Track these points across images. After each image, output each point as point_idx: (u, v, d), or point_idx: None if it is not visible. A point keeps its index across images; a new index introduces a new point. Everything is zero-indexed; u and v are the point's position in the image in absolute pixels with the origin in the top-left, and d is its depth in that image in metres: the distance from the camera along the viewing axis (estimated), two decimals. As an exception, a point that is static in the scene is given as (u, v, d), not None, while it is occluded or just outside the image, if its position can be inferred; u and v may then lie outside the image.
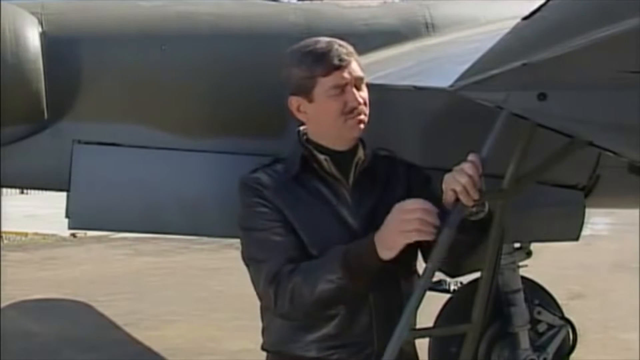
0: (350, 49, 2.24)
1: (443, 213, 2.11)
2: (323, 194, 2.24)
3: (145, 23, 3.23)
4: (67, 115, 3.13)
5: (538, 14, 1.67)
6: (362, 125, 2.24)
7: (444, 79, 2.25)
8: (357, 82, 2.23)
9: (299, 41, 3.28)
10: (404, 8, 3.47)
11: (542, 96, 2.09)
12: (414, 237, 2.05)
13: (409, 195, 2.26)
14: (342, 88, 2.19)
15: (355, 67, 2.23)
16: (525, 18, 1.74)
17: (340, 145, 2.27)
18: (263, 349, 2.36)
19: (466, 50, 2.37)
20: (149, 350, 6.19)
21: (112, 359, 6.05)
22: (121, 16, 3.25)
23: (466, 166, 2.07)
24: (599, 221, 12.10)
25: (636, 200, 3.79)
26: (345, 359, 2.22)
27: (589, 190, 3.47)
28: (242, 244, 2.27)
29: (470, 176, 2.06)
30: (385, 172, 2.34)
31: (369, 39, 3.29)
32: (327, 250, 2.14)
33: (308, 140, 2.29)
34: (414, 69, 2.73)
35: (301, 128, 2.34)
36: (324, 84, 2.19)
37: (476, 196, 2.07)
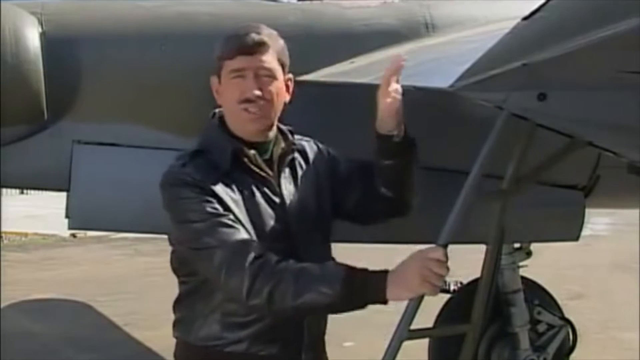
0: (269, 39, 2.15)
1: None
2: (254, 189, 2.16)
3: (145, 23, 3.23)
4: (67, 116, 3.13)
5: (538, 15, 1.67)
6: (260, 121, 2.16)
7: (444, 79, 2.25)
8: (260, 72, 2.14)
9: (299, 42, 3.29)
10: (403, 8, 3.46)
11: (542, 96, 2.09)
12: (433, 293, 1.98)
13: (332, 184, 2.29)
14: (241, 74, 2.13)
15: (268, 58, 2.14)
16: (525, 18, 1.74)
17: (249, 137, 2.18)
18: (178, 338, 2.27)
19: (466, 50, 2.38)
20: (148, 350, 6.18)
21: (112, 359, 6.05)
22: (121, 16, 3.25)
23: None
24: (598, 221, 12.09)
25: (636, 200, 3.79)
26: (274, 353, 2.18)
27: (589, 191, 3.47)
28: (184, 238, 2.14)
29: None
30: (309, 160, 2.30)
31: (369, 39, 3.29)
32: (265, 245, 2.07)
33: (225, 129, 2.22)
34: (414, 69, 2.73)
35: (217, 111, 2.29)
36: (227, 66, 2.14)
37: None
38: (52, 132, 3.12)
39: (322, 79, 3.03)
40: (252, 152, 2.17)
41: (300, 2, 3.47)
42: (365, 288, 1.97)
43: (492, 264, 2.32)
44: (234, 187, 2.13)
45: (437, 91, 2.32)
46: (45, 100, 3.03)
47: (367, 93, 2.68)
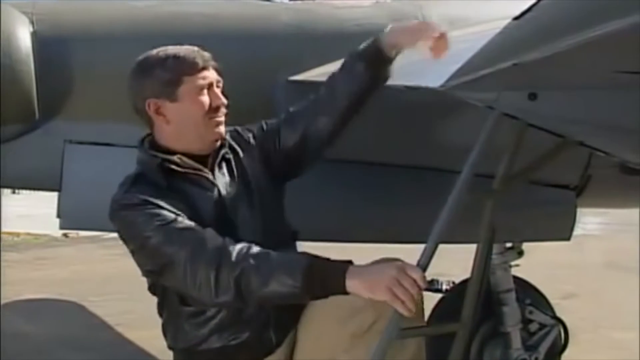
0: (209, 54, 2.32)
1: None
2: (192, 190, 2.27)
3: (138, 23, 3.22)
4: (58, 115, 3.12)
5: (529, 14, 1.67)
6: (222, 127, 2.32)
7: (435, 79, 2.26)
8: (218, 84, 2.32)
9: (292, 41, 3.28)
10: (396, 8, 3.47)
11: (532, 96, 2.10)
12: (396, 305, 1.98)
13: (267, 159, 2.41)
14: (207, 87, 2.28)
15: (217, 70, 2.33)
16: (516, 18, 1.74)
17: (200, 149, 2.32)
18: (170, 348, 2.42)
19: (457, 50, 2.38)
20: (141, 350, 6.17)
21: (104, 359, 6.03)
22: (113, 16, 3.24)
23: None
24: (590, 221, 12.10)
25: (627, 200, 3.80)
26: (245, 338, 2.28)
27: (581, 190, 3.47)
28: (147, 260, 2.27)
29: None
30: (239, 149, 2.43)
31: (362, 39, 3.29)
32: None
33: (155, 148, 2.34)
34: (405, 68, 2.73)
35: (143, 139, 2.41)
36: (190, 82, 2.25)
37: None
38: (44, 132, 3.11)
39: (314, 79, 3.03)
40: (176, 156, 2.27)
41: (292, 2, 3.47)
42: (326, 279, 2.00)
43: (483, 263, 2.32)
44: (175, 197, 2.21)
45: (428, 90, 2.33)
46: (37, 100, 3.02)
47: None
